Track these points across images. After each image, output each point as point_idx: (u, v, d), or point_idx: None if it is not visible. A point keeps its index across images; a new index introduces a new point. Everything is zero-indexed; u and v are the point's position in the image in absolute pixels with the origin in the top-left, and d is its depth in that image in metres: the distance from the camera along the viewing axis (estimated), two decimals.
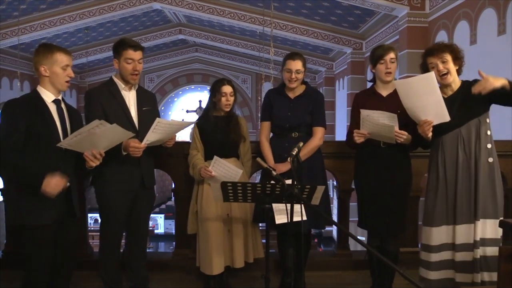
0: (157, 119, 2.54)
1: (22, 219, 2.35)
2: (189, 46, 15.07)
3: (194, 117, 15.11)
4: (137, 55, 2.71)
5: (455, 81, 2.61)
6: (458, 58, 2.59)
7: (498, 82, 2.36)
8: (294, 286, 3.04)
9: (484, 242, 2.51)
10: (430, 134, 2.55)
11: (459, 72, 2.64)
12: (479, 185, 2.53)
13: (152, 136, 2.57)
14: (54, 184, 2.25)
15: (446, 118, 2.49)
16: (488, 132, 2.58)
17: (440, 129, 2.57)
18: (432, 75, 2.45)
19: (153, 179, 2.92)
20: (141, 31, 12.07)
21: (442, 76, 2.56)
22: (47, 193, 2.25)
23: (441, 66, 2.56)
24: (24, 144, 2.31)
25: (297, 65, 2.95)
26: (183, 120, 16.67)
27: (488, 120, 2.59)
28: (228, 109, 3.04)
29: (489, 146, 2.56)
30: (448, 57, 2.56)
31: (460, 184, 2.56)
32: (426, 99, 2.47)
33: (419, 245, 2.78)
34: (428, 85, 2.43)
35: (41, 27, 9.64)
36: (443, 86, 2.60)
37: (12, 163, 2.28)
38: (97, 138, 2.32)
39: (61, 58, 2.37)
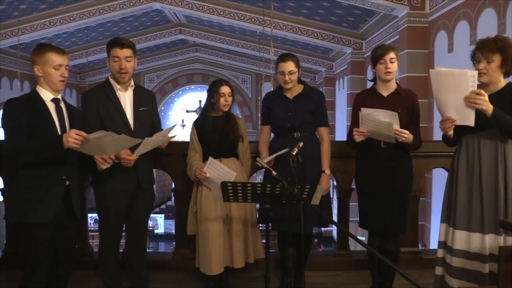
0: (146, 138, 2.56)
1: (21, 217, 2.35)
2: (189, 46, 15.08)
3: (194, 117, 15.16)
4: (123, 52, 2.70)
5: (494, 83, 2.42)
6: (507, 64, 2.37)
7: (484, 105, 2.27)
8: (294, 286, 3.04)
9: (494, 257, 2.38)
10: (450, 132, 2.45)
11: (506, 75, 2.45)
12: (500, 198, 2.38)
13: (142, 149, 2.62)
14: (73, 136, 2.23)
15: (471, 122, 2.34)
16: None
17: (463, 129, 2.48)
18: (466, 72, 2.29)
19: (150, 181, 2.92)
20: (141, 31, 12.08)
21: (478, 74, 2.40)
22: (71, 146, 2.24)
23: (482, 65, 2.40)
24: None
25: (289, 66, 2.94)
26: (182, 120, 16.74)
27: None
28: (226, 109, 3.04)
29: None
30: (496, 58, 2.37)
31: (475, 190, 2.45)
32: (457, 96, 2.32)
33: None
34: (463, 82, 2.28)
35: (41, 27, 9.65)
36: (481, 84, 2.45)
37: (28, 147, 2.28)
38: (106, 145, 2.36)
39: (53, 58, 2.36)
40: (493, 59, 2.38)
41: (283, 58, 2.98)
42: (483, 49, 2.41)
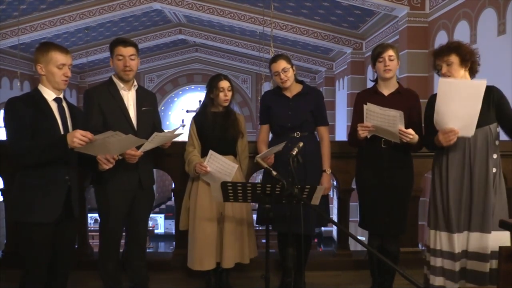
0: (155, 133, 2.58)
1: (22, 217, 2.35)
2: (189, 46, 15.09)
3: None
4: (127, 51, 2.72)
5: None
6: (466, 60, 2.48)
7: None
8: (294, 286, 3.04)
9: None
10: (452, 143, 2.45)
11: (472, 73, 2.54)
12: (489, 194, 2.45)
13: (148, 145, 2.61)
14: (78, 137, 2.23)
15: (471, 133, 2.39)
16: (497, 142, 2.49)
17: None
18: (484, 84, 2.31)
19: (151, 180, 2.92)
20: (141, 31, 12.08)
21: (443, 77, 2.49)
22: (76, 147, 2.25)
23: (444, 69, 2.48)
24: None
25: (280, 64, 2.95)
26: (182, 120, 16.75)
27: (498, 130, 2.49)
28: (226, 104, 3.02)
29: (494, 156, 2.48)
30: (454, 59, 2.46)
31: (465, 190, 2.50)
32: (465, 107, 2.33)
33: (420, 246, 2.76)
34: (475, 93, 2.30)
35: (41, 27, 9.66)
36: None
37: (31, 148, 2.27)
38: (111, 145, 2.35)
39: (57, 57, 2.35)
40: (451, 60, 2.47)
41: (273, 59, 3.02)
42: (439, 55, 2.51)
